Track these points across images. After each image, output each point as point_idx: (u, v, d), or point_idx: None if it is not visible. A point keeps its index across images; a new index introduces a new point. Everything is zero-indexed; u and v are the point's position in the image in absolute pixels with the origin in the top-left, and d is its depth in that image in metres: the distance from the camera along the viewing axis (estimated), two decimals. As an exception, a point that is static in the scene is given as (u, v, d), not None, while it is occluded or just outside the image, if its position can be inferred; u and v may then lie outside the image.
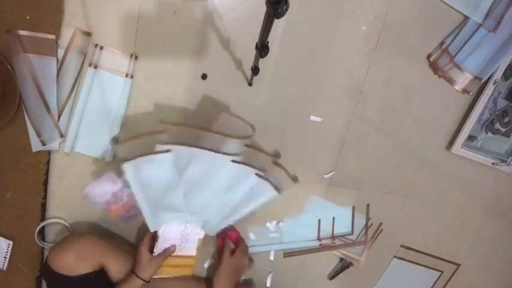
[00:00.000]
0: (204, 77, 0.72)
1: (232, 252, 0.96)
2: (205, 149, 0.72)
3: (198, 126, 0.73)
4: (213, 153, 0.73)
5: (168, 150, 0.71)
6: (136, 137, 0.72)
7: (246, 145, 0.77)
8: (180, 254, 0.93)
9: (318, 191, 1.07)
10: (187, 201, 0.83)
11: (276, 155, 0.76)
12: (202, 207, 0.87)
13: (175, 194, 0.81)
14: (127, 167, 0.73)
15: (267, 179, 0.78)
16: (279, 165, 0.78)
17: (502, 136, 1.08)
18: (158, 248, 0.89)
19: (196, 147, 0.72)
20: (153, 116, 0.95)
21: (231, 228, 1.00)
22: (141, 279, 0.83)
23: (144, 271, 0.84)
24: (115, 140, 0.73)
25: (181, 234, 0.92)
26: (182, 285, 0.96)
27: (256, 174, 0.78)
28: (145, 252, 0.86)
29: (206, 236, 0.96)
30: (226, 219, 0.90)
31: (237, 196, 0.83)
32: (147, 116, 0.95)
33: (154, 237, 0.90)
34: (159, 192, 0.80)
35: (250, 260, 1.02)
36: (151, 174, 0.75)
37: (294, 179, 0.78)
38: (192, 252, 0.95)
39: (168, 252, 0.89)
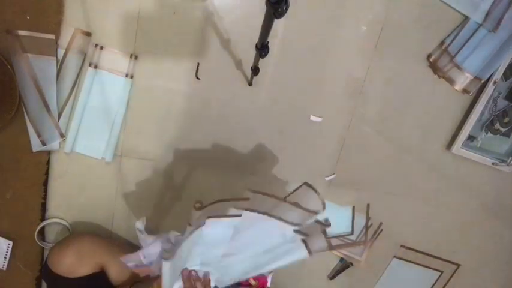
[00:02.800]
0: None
1: None
2: (274, 217, 0.68)
3: (277, 196, 0.68)
4: (279, 221, 0.69)
5: (239, 215, 0.68)
6: (219, 201, 0.69)
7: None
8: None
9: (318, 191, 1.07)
10: (221, 260, 0.76)
11: (327, 224, 0.74)
12: (231, 266, 0.78)
13: (215, 252, 0.74)
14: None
15: (307, 244, 0.71)
16: (325, 233, 0.74)
17: (502, 136, 1.08)
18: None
19: (266, 214, 0.68)
20: (153, 116, 0.95)
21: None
22: None
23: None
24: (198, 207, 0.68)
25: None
26: None
27: (302, 239, 0.72)
28: None
29: None
30: (245, 275, 0.79)
31: (269, 256, 0.75)
32: (147, 116, 0.95)
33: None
34: (202, 248, 0.74)
35: None
36: (209, 232, 0.70)
37: (330, 246, 0.74)
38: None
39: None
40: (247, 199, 0.68)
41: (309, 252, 0.73)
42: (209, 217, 0.68)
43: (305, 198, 0.76)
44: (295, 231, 0.72)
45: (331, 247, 0.73)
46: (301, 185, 0.79)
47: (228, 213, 0.68)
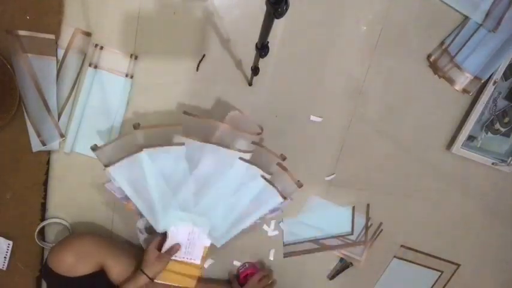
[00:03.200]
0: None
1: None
2: (216, 144, 0.74)
3: (212, 119, 0.75)
4: (223, 148, 0.74)
5: (182, 143, 0.72)
6: (155, 126, 0.74)
7: (253, 142, 0.78)
8: (185, 259, 0.93)
9: (318, 191, 1.07)
10: (195, 200, 0.84)
11: (282, 157, 0.77)
12: (210, 209, 0.87)
13: (185, 189, 0.82)
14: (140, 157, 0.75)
15: (273, 185, 0.78)
16: (284, 168, 0.78)
17: (502, 136, 1.08)
18: (165, 247, 0.89)
19: (208, 142, 0.74)
20: (153, 116, 0.95)
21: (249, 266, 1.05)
22: (147, 275, 0.83)
23: (150, 268, 0.84)
24: (136, 126, 0.74)
25: (188, 238, 0.91)
26: None
27: (262, 176, 0.78)
28: (153, 249, 0.87)
29: (212, 247, 0.95)
30: (233, 227, 0.89)
31: (244, 199, 0.84)
32: (147, 116, 0.95)
33: (163, 238, 0.90)
34: (171, 186, 0.81)
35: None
36: (166, 165, 0.76)
37: (298, 184, 0.78)
38: (197, 259, 0.94)
39: (173, 250, 0.89)
40: (180, 124, 0.73)
41: (282, 195, 0.80)
42: (153, 146, 0.74)
43: (240, 124, 0.82)
44: (264, 179, 0.77)
45: (299, 184, 0.76)
46: (231, 113, 0.84)
47: (173, 142, 0.74)
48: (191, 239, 0.92)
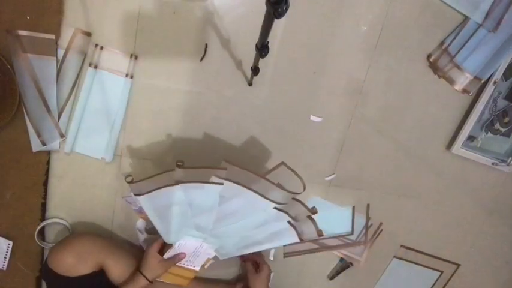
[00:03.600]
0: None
1: (255, 267, 0.98)
2: (254, 191, 0.73)
3: (256, 172, 0.74)
4: (260, 197, 0.73)
5: (221, 183, 0.72)
6: (195, 167, 0.73)
7: (293, 198, 0.78)
8: (185, 265, 0.92)
9: (318, 191, 1.07)
10: (214, 226, 0.83)
11: (313, 210, 0.78)
12: (225, 236, 0.86)
13: (207, 216, 0.80)
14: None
15: (295, 228, 0.78)
16: (312, 219, 0.79)
17: (502, 136, 1.08)
18: (169, 253, 0.87)
19: (246, 188, 0.73)
20: (153, 116, 0.95)
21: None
22: (146, 278, 0.83)
23: (150, 271, 0.83)
24: (180, 165, 0.73)
25: (194, 250, 0.90)
26: None
27: (289, 222, 0.78)
28: (155, 253, 0.85)
29: (216, 258, 0.95)
30: (242, 250, 0.89)
31: (261, 234, 0.83)
32: (147, 116, 0.95)
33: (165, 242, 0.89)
34: (195, 212, 0.80)
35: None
36: (196, 197, 0.76)
37: (319, 233, 0.78)
38: (197, 267, 0.94)
39: (177, 259, 0.87)
40: (224, 169, 0.72)
41: (300, 238, 0.79)
42: (192, 182, 0.72)
43: (285, 179, 0.81)
44: (277, 209, 0.76)
45: (320, 234, 0.76)
46: (279, 165, 0.83)
47: (210, 180, 0.72)
48: (197, 251, 0.91)
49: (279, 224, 0.79)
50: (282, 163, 0.82)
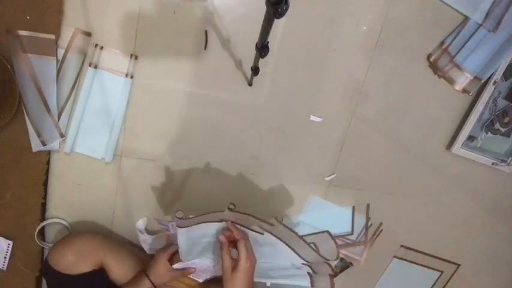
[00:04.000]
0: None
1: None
2: (291, 248, 0.77)
3: (299, 235, 0.77)
4: (294, 253, 0.77)
5: (261, 233, 0.74)
6: (250, 215, 0.74)
7: (325, 262, 0.81)
8: (190, 276, 0.91)
9: (318, 191, 1.07)
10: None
11: (336, 272, 0.81)
12: None
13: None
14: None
15: (312, 278, 0.80)
16: (332, 277, 0.81)
17: (502, 136, 1.08)
18: (180, 265, 0.82)
19: (284, 242, 0.76)
20: (153, 116, 0.95)
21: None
22: (152, 283, 0.81)
23: (158, 278, 0.82)
24: (232, 208, 0.74)
25: (205, 268, 0.86)
26: None
27: (308, 273, 0.80)
28: (165, 261, 0.82)
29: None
30: (261, 276, 0.89)
31: (277, 273, 0.83)
32: (147, 116, 0.95)
33: (177, 251, 0.83)
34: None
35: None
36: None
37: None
38: (201, 280, 0.90)
39: (187, 272, 0.84)
40: (272, 224, 0.74)
41: (312, 285, 0.81)
42: (236, 223, 0.75)
43: (323, 243, 0.85)
44: (304, 264, 0.80)
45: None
46: (323, 231, 0.89)
47: (253, 227, 0.74)
48: (207, 269, 0.86)
49: (298, 270, 0.81)
50: (327, 231, 0.89)
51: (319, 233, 0.89)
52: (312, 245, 0.81)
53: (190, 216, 0.76)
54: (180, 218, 0.75)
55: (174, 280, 0.86)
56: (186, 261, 0.84)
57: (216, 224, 0.75)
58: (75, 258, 0.81)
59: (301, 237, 0.76)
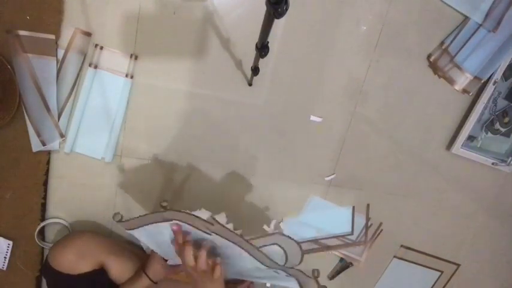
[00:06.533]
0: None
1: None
2: (247, 252, 0.68)
3: (246, 236, 0.67)
4: (247, 254, 0.69)
5: (210, 234, 0.67)
6: (185, 212, 0.69)
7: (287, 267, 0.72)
8: None
9: (318, 191, 1.07)
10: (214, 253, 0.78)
11: (315, 275, 0.75)
12: (226, 266, 0.80)
13: (204, 244, 0.75)
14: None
15: (297, 279, 0.73)
16: (316, 280, 0.75)
17: (502, 136, 1.08)
18: (172, 261, 0.85)
19: (238, 246, 0.68)
20: (153, 116, 0.95)
21: None
22: (150, 279, 0.83)
23: (155, 274, 0.83)
24: (165, 207, 0.69)
25: None
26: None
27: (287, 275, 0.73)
28: (159, 259, 0.83)
29: None
30: (242, 277, 0.85)
31: (262, 274, 0.79)
32: (147, 116, 0.95)
33: None
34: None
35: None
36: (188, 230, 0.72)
37: None
38: None
39: (179, 269, 0.85)
40: (211, 223, 0.65)
41: (300, 286, 0.74)
42: (184, 222, 0.67)
43: (287, 244, 0.76)
44: (272, 268, 0.71)
45: None
46: (275, 233, 0.78)
47: (200, 227, 0.67)
48: None
49: (279, 275, 0.75)
50: (278, 232, 0.79)
51: (271, 234, 0.78)
52: (275, 246, 0.74)
53: (133, 218, 0.70)
54: (119, 221, 0.69)
55: (170, 276, 0.87)
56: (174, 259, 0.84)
57: (164, 224, 0.70)
58: (76, 258, 0.81)
59: (244, 238, 0.67)
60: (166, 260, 0.85)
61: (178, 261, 0.84)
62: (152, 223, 0.71)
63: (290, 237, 0.76)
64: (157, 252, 0.83)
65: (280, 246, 0.76)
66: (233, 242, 0.68)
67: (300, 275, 0.73)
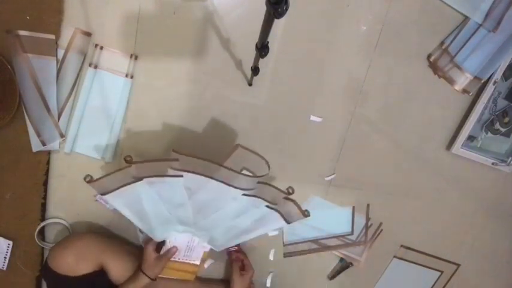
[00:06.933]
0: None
1: (241, 270, 0.98)
2: (217, 180, 0.69)
3: (212, 160, 0.68)
4: (226, 186, 0.70)
5: (180, 176, 0.68)
6: (148, 161, 0.70)
7: (259, 182, 0.73)
8: (185, 260, 0.94)
9: (318, 191, 1.07)
10: (196, 219, 0.83)
11: (289, 191, 0.74)
12: (209, 228, 0.87)
13: (183, 211, 0.80)
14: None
15: (277, 210, 0.75)
16: (291, 200, 0.75)
17: (502, 136, 1.08)
18: (163, 250, 0.90)
19: (208, 177, 0.69)
20: (153, 116, 0.95)
21: (239, 250, 1.02)
22: (148, 276, 0.83)
23: (151, 269, 0.85)
24: (129, 161, 0.69)
25: (187, 244, 0.92)
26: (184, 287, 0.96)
27: (267, 206, 0.75)
28: (151, 251, 0.86)
29: (212, 250, 0.95)
30: (233, 239, 0.89)
31: (245, 222, 0.82)
32: (147, 116, 0.95)
33: (162, 241, 0.90)
34: (169, 207, 0.79)
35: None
36: (163, 191, 0.74)
37: (304, 213, 0.76)
38: (197, 260, 0.95)
39: (170, 253, 0.89)
40: (176, 159, 0.66)
41: (286, 220, 0.77)
42: (151, 176, 0.68)
43: (247, 161, 0.76)
44: (246, 195, 0.72)
45: (305, 214, 0.75)
46: (234, 147, 0.77)
47: (167, 172, 0.67)
48: (190, 245, 0.92)
49: (259, 210, 0.76)
50: (238, 145, 0.77)
51: (231, 151, 0.77)
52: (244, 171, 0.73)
53: (102, 176, 0.70)
54: (90, 182, 0.69)
55: (169, 267, 0.90)
56: (165, 243, 0.86)
57: (139, 184, 0.70)
58: (76, 259, 0.81)
59: (216, 162, 0.68)
60: (159, 251, 0.88)
61: (165, 237, 0.87)
62: (125, 185, 0.70)
63: (251, 151, 0.75)
64: (141, 228, 0.84)
65: (248, 169, 0.75)
66: (203, 175, 0.68)
67: (275, 192, 0.73)
